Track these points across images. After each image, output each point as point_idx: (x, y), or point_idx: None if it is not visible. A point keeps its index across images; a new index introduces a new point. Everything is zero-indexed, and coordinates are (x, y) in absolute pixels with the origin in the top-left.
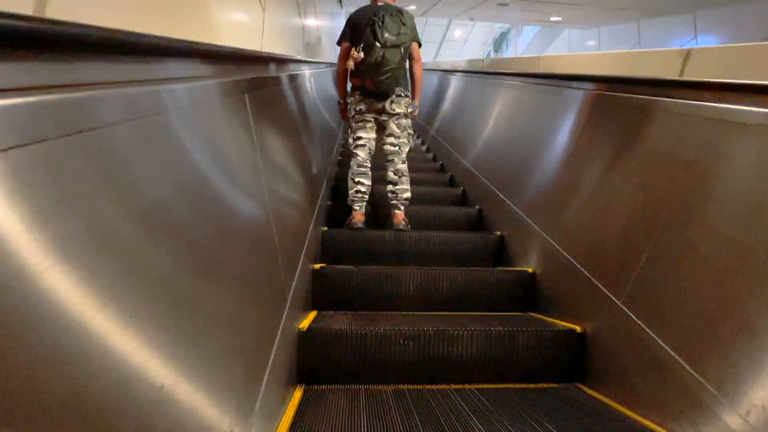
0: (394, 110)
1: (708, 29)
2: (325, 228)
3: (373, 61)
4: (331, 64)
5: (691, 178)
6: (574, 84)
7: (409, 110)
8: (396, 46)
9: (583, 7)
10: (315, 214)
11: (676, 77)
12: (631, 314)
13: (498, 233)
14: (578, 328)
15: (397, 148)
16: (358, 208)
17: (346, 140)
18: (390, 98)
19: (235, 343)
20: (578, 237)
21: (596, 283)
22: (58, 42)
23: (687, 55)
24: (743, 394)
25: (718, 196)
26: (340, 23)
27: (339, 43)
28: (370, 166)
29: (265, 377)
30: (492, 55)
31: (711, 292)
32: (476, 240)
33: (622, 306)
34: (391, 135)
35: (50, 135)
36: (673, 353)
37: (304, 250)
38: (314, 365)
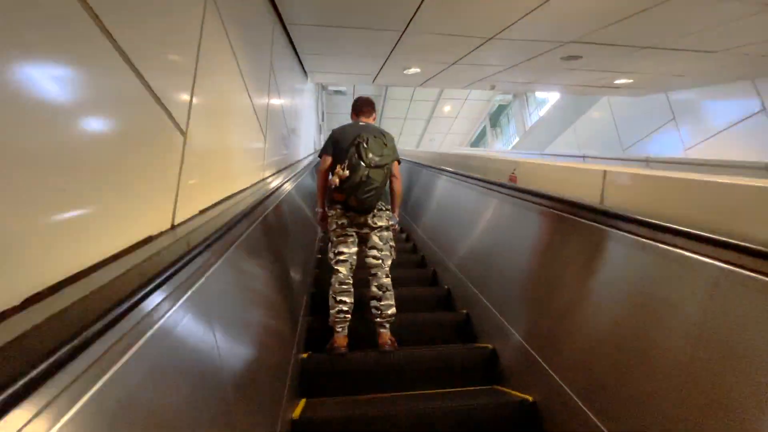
0: (376, 223)
1: None
2: (305, 355)
3: (358, 180)
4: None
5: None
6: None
7: (390, 223)
8: (380, 166)
9: (711, 58)
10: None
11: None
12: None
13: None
14: None
15: (380, 261)
16: (340, 329)
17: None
18: (372, 212)
19: None
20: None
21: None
22: None
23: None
24: None
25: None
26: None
27: (321, 155)
28: (351, 282)
29: None
30: (488, 133)
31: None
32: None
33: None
34: (373, 248)
35: None
36: None
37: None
38: None
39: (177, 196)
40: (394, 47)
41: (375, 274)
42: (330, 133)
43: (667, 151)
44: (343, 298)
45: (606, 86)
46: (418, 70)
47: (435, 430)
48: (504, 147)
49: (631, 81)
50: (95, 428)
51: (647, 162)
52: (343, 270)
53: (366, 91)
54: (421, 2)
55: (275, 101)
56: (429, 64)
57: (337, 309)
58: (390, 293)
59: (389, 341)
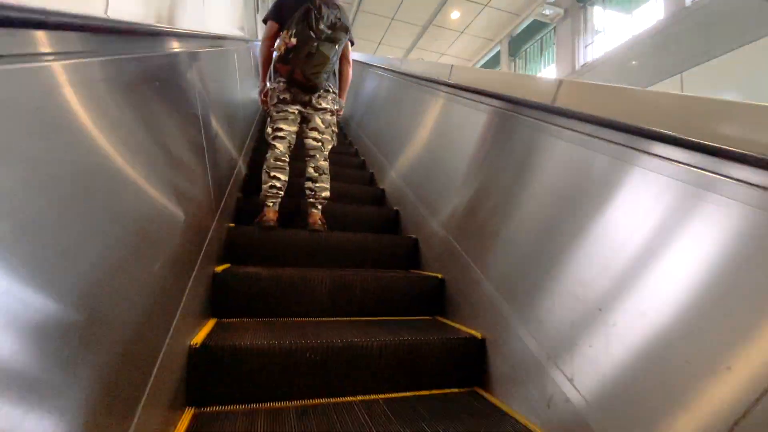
0: (320, 105)
1: None
2: (232, 224)
3: (305, 52)
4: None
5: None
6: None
7: (335, 107)
8: (331, 40)
9: None
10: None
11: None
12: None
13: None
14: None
15: (320, 144)
16: (271, 204)
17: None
18: (318, 92)
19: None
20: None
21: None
22: None
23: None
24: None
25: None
26: None
27: (265, 20)
28: (288, 160)
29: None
30: (503, 63)
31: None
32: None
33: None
34: (314, 129)
35: None
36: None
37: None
38: (207, 384)
39: None
40: None
41: (313, 156)
42: None
43: None
44: (277, 174)
45: None
46: None
47: (352, 287)
48: None
49: None
50: None
51: None
52: (280, 147)
53: None
54: None
55: None
56: None
57: (269, 184)
58: (326, 177)
59: (320, 221)
